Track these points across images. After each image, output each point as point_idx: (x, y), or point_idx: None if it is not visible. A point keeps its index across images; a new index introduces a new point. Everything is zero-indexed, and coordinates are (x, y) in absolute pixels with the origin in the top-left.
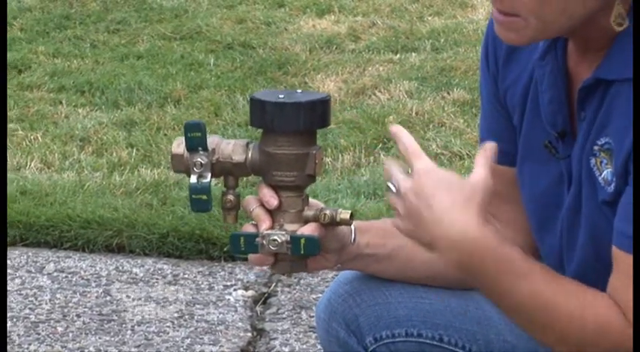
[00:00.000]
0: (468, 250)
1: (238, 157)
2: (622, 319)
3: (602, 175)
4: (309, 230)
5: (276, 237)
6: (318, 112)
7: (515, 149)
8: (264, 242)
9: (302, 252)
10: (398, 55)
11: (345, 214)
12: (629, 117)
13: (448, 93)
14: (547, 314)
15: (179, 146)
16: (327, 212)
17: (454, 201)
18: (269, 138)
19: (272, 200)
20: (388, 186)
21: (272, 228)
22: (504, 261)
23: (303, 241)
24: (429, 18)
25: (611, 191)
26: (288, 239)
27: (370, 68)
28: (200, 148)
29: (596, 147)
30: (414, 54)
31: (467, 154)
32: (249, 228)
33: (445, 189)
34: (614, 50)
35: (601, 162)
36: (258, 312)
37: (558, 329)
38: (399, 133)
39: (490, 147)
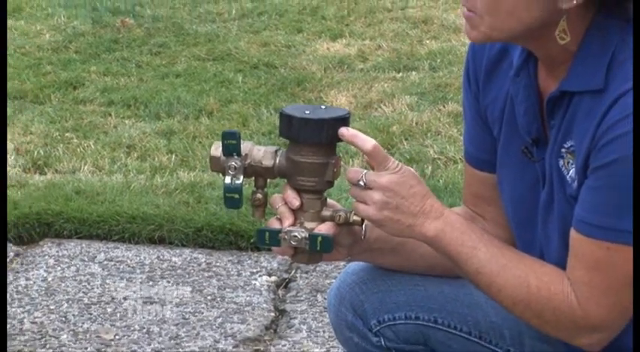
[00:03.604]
0: (443, 228)
1: (267, 162)
2: (569, 307)
3: (569, 173)
4: (325, 229)
5: (296, 234)
6: (339, 128)
7: (495, 158)
8: (286, 237)
9: (318, 249)
10: (400, 74)
11: (357, 216)
12: (588, 122)
13: (443, 106)
14: (503, 282)
15: (217, 149)
16: (342, 213)
17: (425, 191)
18: (294, 148)
19: (294, 201)
20: (355, 183)
21: (294, 224)
22: (465, 239)
23: (319, 239)
24: (427, 41)
25: (576, 186)
26: (307, 236)
27: (376, 85)
28: (235, 154)
29: (563, 150)
30: (414, 72)
31: (459, 159)
32: (274, 223)
33: (416, 182)
34: (573, 65)
35: (568, 163)
36: (280, 295)
37: (516, 297)
38: (357, 136)
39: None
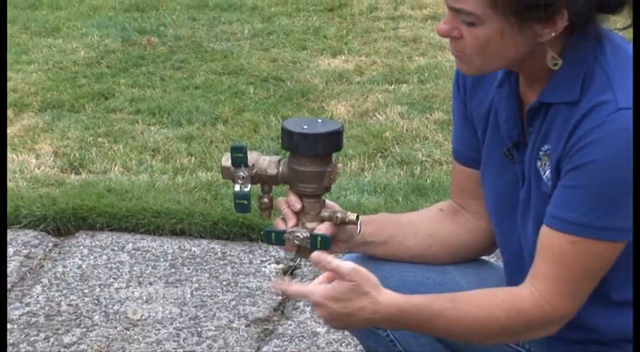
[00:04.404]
0: (392, 321)
1: (272, 171)
2: (538, 309)
3: (545, 174)
4: (324, 229)
5: (299, 234)
6: (333, 141)
7: (480, 156)
8: (290, 237)
9: (318, 247)
10: (392, 86)
11: (352, 216)
12: (563, 129)
13: (430, 115)
14: (474, 330)
15: (227, 161)
16: (339, 215)
17: (361, 297)
18: (295, 158)
19: (296, 204)
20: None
21: (297, 225)
22: (419, 314)
23: (319, 239)
24: (416, 58)
25: (550, 186)
26: (308, 236)
27: (371, 96)
28: (242, 165)
29: (541, 153)
30: (404, 85)
31: (445, 161)
32: (279, 223)
33: (351, 291)
34: (551, 81)
35: (544, 164)
36: (287, 281)
37: (490, 333)
38: (320, 260)
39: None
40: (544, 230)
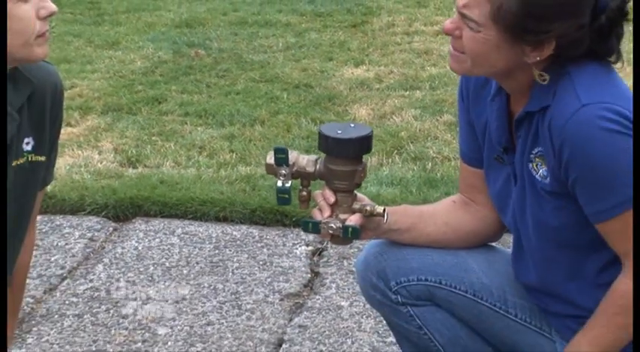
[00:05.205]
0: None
1: (310, 169)
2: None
3: (539, 173)
4: (354, 220)
5: (332, 225)
6: (364, 144)
7: (483, 156)
8: (325, 227)
9: (349, 236)
10: (407, 92)
11: (379, 209)
12: (545, 131)
13: (440, 117)
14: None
15: (270, 158)
16: (368, 207)
17: None
18: (330, 159)
19: (331, 198)
20: None
21: (331, 216)
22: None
23: (350, 229)
24: (428, 68)
25: (548, 182)
26: (341, 226)
27: (389, 101)
28: (284, 164)
29: (532, 156)
30: (418, 91)
31: (453, 157)
32: (316, 213)
33: None
34: (532, 93)
35: (537, 165)
36: (315, 261)
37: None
38: None
39: None
40: (599, 228)
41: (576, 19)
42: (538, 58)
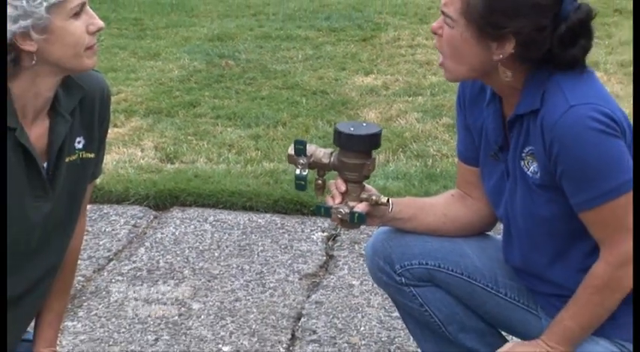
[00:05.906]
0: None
1: (325, 160)
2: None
3: (530, 169)
4: (361, 208)
5: (342, 210)
6: (373, 141)
7: (479, 156)
8: (335, 212)
9: (356, 222)
10: (411, 98)
11: (384, 199)
12: (536, 131)
13: (440, 119)
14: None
15: (291, 150)
16: (374, 197)
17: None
18: (342, 152)
19: (342, 187)
20: None
21: (341, 203)
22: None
23: (357, 215)
24: (430, 76)
25: (538, 177)
26: (349, 212)
27: (395, 105)
28: (302, 154)
29: (523, 154)
30: (420, 97)
31: (450, 155)
32: (329, 200)
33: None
34: (521, 98)
35: (528, 162)
36: (330, 245)
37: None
38: None
39: None
40: (582, 216)
41: (536, 20)
42: (501, 56)
